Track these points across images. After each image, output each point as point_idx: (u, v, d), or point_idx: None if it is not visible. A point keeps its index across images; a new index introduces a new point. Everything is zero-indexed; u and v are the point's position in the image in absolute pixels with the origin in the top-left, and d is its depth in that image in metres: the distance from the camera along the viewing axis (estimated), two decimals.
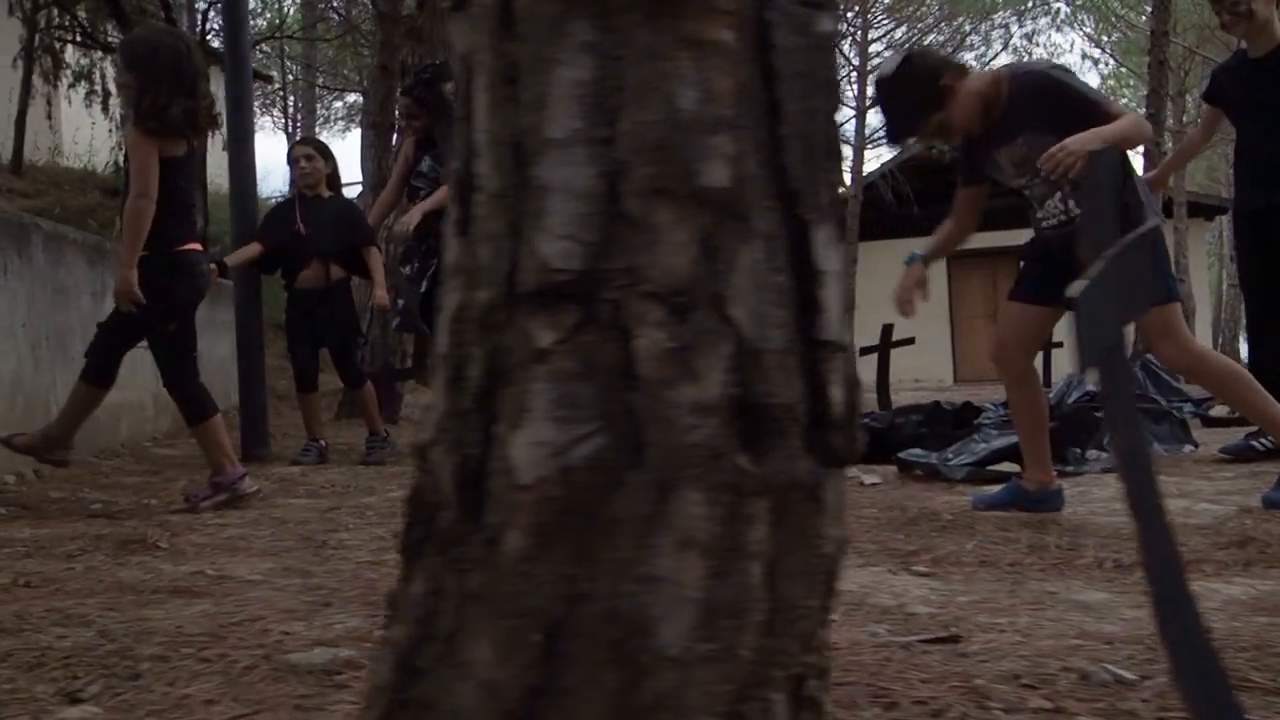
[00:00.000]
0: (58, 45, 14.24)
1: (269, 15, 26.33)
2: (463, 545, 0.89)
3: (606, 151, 0.86)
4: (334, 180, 5.67)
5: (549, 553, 0.84)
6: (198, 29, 13.15)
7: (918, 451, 4.16)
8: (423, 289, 5.59)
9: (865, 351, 7.59)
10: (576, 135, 0.86)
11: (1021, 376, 3.31)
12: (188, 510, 3.62)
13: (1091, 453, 4.16)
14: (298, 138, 30.58)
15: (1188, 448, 4.64)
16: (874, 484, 3.97)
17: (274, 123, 31.92)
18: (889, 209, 17.27)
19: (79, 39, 13.54)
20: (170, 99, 3.59)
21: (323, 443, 5.50)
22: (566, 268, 0.85)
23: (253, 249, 5.61)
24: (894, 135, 3.60)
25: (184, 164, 3.78)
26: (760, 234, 0.88)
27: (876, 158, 20.09)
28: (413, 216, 5.56)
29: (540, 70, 0.87)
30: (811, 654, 0.91)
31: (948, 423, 4.59)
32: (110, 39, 13.10)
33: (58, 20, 14.03)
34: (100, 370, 3.82)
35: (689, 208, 0.85)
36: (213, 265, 5.42)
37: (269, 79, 25.10)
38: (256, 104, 26.44)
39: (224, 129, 5.31)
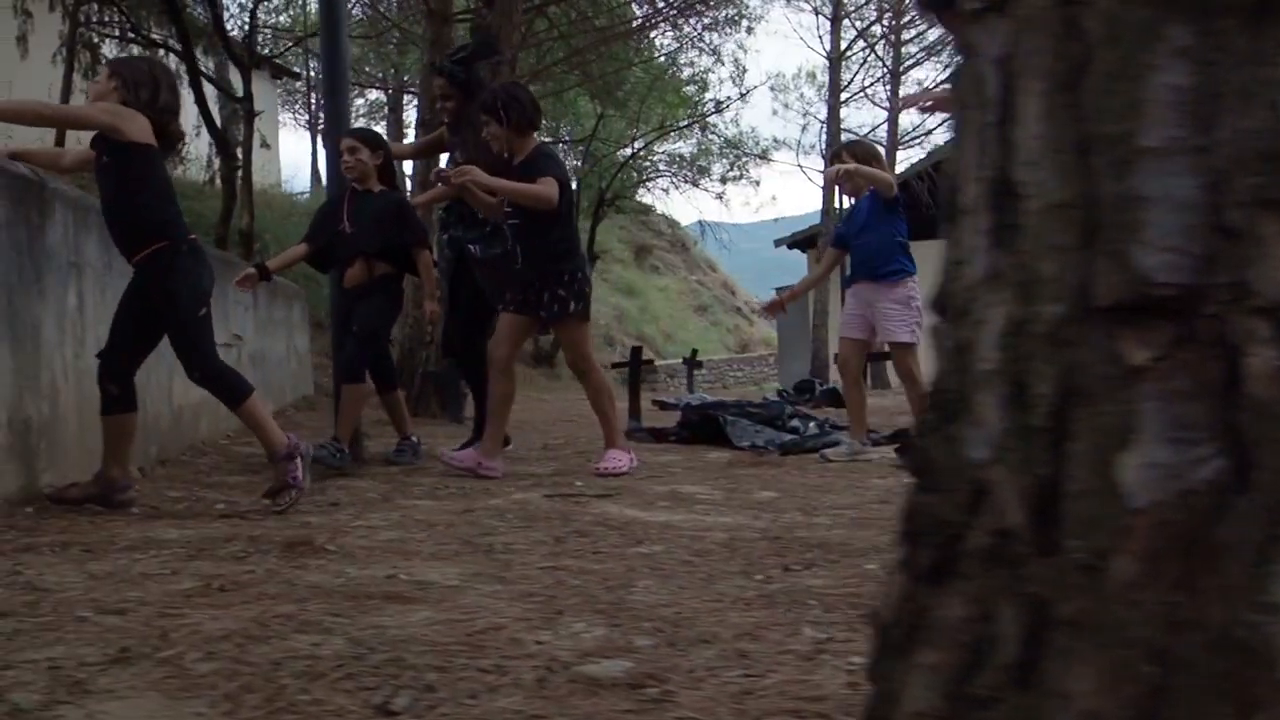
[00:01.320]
0: (96, 40, 14.25)
1: (292, 11, 26.26)
2: (1027, 567, 0.86)
3: (1205, 161, 0.82)
4: (386, 173, 5.31)
5: (1155, 579, 0.81)
6: (245, 26, 13.16)
7: None
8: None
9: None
10: (1175, 144, 0.82)
11: None
12: (279, 507, 3.57)
13: None
14: (319, 134, 30.59)
15: None
16: None
17: (296, 120, 31.97)
18: (925, 210, 17.20)
19: (123, 34, 13.52)
20: (168, 110, 3.72)
21: (414, 439, 5.45)
22: (1171, 281, 0.81)
23: (299, 250, 5.47)
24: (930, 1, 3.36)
25: (157, 155, 3.75)
26: None
27: (906, 159, 20.05)
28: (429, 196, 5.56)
29: (1130, 76, 0.83)
30: None
31: None
32: (154, 34, 13.10)
33: (98, 15, 14.04)
34: (127, 396, 3.76)
35: None
36: (253, 268, 5.32)
37: (295, 75, 25.11)
38: (279, 101, 26.36)
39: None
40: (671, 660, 1.73)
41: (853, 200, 5.75)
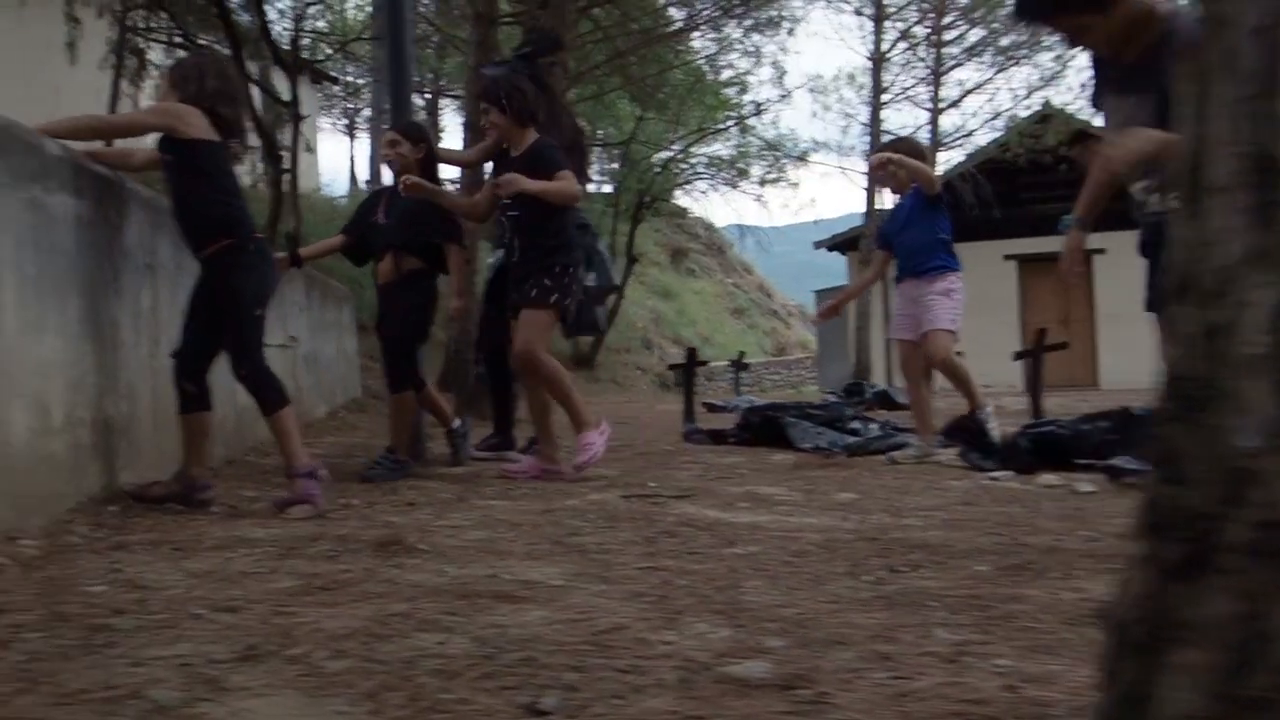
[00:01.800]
0: (143, 46, 14.37)
1: (330, 17, 26.36)
2: None
3: None
4: (428, 166, 5.06)
5: None
6: (291, 31, 13.23)
7: (1129, 460, 4.03)
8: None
9: (1020, 355, 7.50)
10: None
11: None
12: (288, 515, 3.54)
13: None
14: (355, 137, 30.79)
15: None
16: (1089, 492, 3.86)
17: (334, 124, 32.18)
18: (969, 211, 17.08)
19: (170, 39, 13.62)
20: (216, 95, 3.74)
21: (458, 423, 5.36)
22: None
23: (334, 240, 5.40)
24: (1033, 8, 3.29)
25: (217, 149, 3.77)
26: None
27: (946, 160, 19.89)
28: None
29: None
30: None
31: (1139, 428, 4.46)
32: (201, 39, 13.18)
33: (144, 21, 14.15)
34: (203, 394, 3.80)
35: None
36: (284, 255, 5.25)
37: (334, 80, 25.23)
38: (317, 105, 26.39)
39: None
40: (810, 662, 1.69)
41: (896, 198, 5.71)
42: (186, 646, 1.83)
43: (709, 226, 34.33)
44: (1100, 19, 3.05)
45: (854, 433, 6.09)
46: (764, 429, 6.37)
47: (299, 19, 12.58)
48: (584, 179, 5.56)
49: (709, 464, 5.30)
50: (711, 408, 8.70)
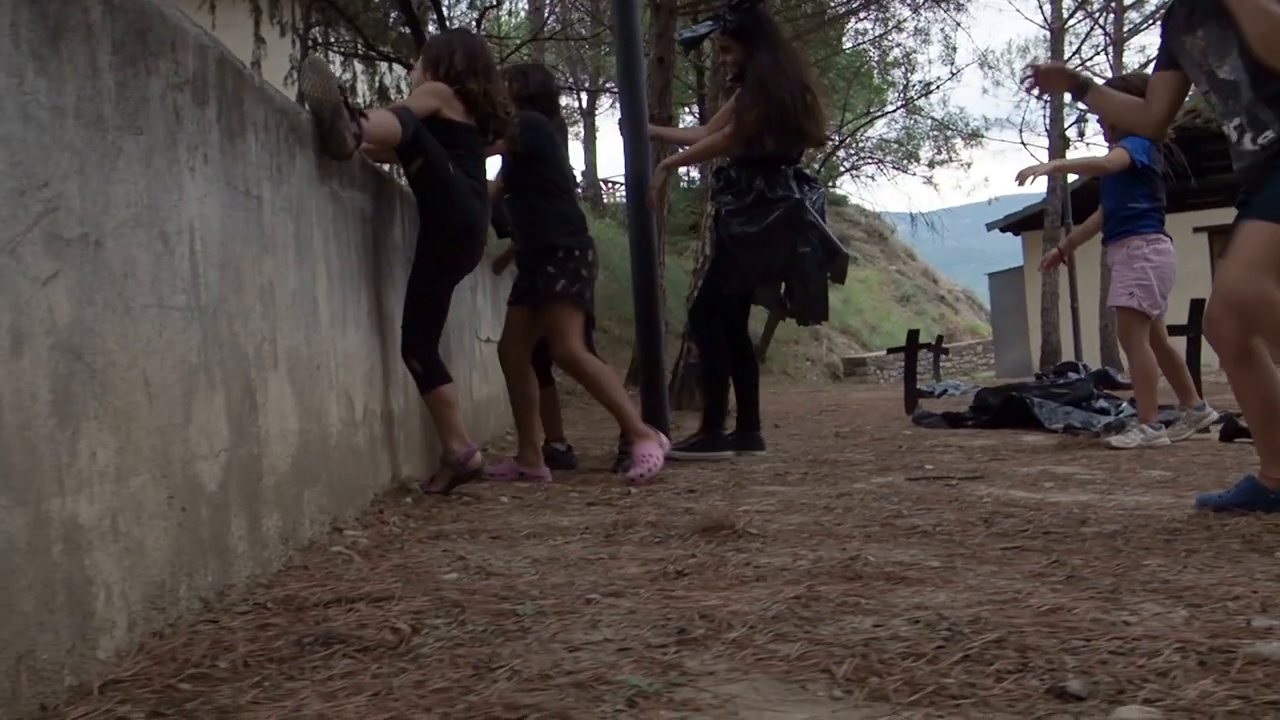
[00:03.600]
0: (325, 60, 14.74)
1: (486, 25, 26.70)
2: None
3: None
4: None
5: None
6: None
7: None
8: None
9: (1174, 331, 7.02)
10: None
11: (1240, 354, 2.71)
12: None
13: None
14: None
15: None
16: None
17: None
18: (1167, 182, 16.22)
19: (350, 53, 13.97)
20: (465, 73, 3.73)
21: (561, 447, 4.96)
22: None
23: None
24: None
25: (469, 134, 3.75)
26: None
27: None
28: (656, 179, 4.96)
29: None
30: None
31: None
32: (383, 50, 13.49)
33: (323, 37, 14.56)
34: (433, 370, 3.68)
35: None
36: None
37: None
38: None
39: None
40: None
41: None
42: (609, 631, 1.75)
43: (868, 213, 33.70)
44: None
45: (1103, 411, 5.77)
46: (1004, 410, 6.09)
47: (479, 23, 12.73)
48: (820, 137, 5.06)
49: (961, 446, 5.08)
50: (920, 394, 8.40)
